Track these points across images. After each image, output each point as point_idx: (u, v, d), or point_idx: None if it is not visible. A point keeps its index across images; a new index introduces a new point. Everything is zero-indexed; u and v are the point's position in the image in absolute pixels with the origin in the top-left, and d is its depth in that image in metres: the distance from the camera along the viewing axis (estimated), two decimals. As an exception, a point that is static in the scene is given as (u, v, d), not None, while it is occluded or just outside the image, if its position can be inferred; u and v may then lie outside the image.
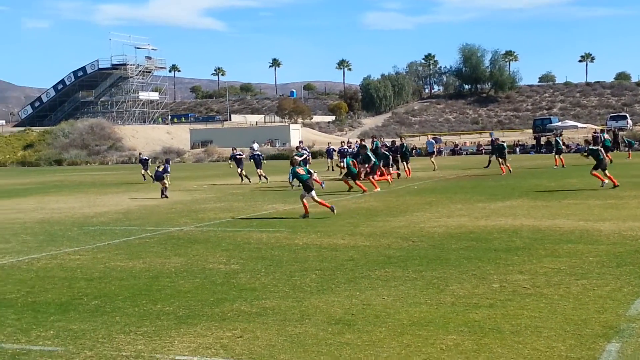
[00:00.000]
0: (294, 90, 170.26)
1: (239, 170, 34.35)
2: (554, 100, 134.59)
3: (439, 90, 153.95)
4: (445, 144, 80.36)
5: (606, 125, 74.06)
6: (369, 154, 29.15)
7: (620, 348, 6.88)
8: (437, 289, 9.73)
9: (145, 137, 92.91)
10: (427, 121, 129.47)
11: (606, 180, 24.36)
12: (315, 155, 60.19)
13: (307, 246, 14.01)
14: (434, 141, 52.33)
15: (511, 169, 35.35)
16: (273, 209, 21.69)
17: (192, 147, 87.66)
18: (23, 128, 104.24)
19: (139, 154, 47.00)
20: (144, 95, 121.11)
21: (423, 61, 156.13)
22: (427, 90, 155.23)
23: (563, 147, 43.71)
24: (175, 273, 11.60)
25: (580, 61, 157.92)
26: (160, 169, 28.19)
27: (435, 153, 51.27)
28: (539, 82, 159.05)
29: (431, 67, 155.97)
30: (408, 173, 34.60)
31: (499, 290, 9.50)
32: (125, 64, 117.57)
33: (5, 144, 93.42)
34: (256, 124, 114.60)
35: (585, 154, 25.37)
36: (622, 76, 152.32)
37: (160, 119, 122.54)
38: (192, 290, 10.20)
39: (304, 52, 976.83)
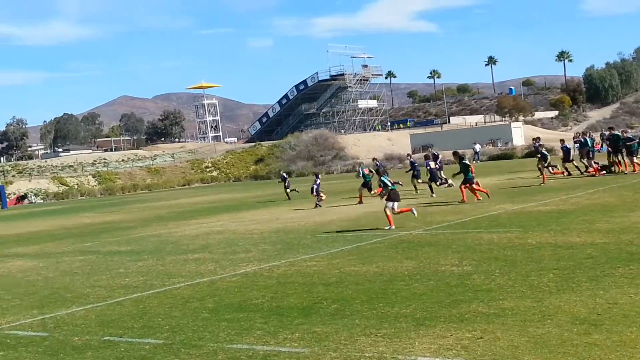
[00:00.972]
0: (512, 88, 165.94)
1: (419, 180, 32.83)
2: None
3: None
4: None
5: None
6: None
7: None
8: (690, 286, 9.04)
9: (367, 145, 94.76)
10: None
11: None
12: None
13: (541, 245, 13.58)
14: None
15: None
16: (501, 209, 21.24)
17: (413, 152, 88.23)
18: (253, 143, 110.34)
19: (279, 171, 45.00)
20: (363, 104, 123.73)
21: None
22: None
23: None
24: (409, 276, 11.71)
25: None
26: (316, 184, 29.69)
27: None
28: None
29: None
30: (627, 167, 31.33)
31: None
32: (343, 74, 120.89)
33: (238, 159, 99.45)
34: (476, 125, 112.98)
35: None
36: None
37: (379, 126, 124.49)
38: (426, 293, 10.25)
39: (520, 47, 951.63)
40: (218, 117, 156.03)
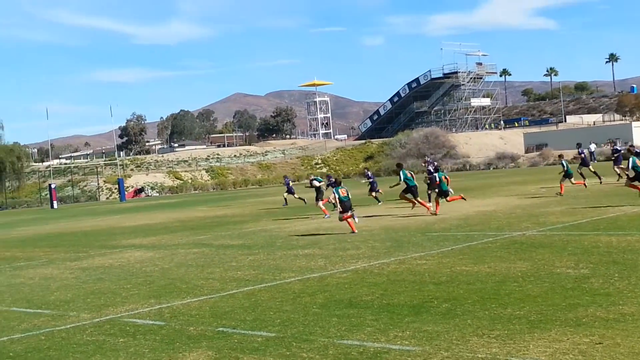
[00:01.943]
0: (634, 86, 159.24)
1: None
2: None
3: None
4: None
5: None
6: None
7: None
8: None
9: (479, 144, 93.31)
10: None
11: None
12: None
13: (663, 250, 12.98)
14: None
15: None
16: (620, 211, 20.45)
17: (527, 151, 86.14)
18: (363, 141, 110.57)
19: (284, 176, 43.23)
20: (476, 102, 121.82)
21: None
22: None
23: None
24: (522, 277, 11.43)
25: None
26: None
27: None
28: None
29: None
30: None
31: None
32: (456, 72, 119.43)
33: (348, 156, 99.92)
34: (593, 124, 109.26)
35: None
36: None
37: (492, 125, 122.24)
38: (541, 295, 9.98)
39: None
40: (329, 115, 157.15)
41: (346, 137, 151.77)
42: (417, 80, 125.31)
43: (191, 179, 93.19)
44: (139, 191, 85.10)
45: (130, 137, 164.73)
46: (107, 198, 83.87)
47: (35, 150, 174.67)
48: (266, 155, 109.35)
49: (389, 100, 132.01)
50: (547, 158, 76.42)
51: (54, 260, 20.18)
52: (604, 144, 74.34)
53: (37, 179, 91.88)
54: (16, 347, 9.59)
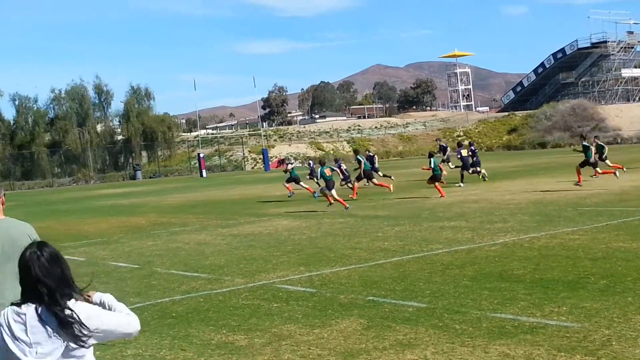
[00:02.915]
0: None
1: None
2: None
3: None
4: None
5: None
6: None
7: None
8: None
9: (630, 116, 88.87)
10: None
11: None
12: None
13: None
14: None
15: None
16: None
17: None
18: (506, 113, 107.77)
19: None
20: (627, 73, 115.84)
21: None
22: None
23: None
24: (686, 256, 10.85)
25: None
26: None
27: None
28: None
29: None
30: None
31: None
32: (605, 42, 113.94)
33: (490, 129, 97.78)
34: None
35: None
36: None
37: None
38: None
39: None
40: (470, 86, 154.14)
41: (488, 109, 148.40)
42: (562, 50, 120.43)
43: (333, 150, 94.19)
44: (281, 162, 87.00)
45: (273, 108, 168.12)
46: (252, 168, 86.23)
47: (184, 120, 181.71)
48: (407, 127, 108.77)
49: (533, 71, 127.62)
50: None
51: (206, 226, 21.01)
52: None
53: (187, 148, 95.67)
54: (177, 307, 10.09)
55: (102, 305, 3.87)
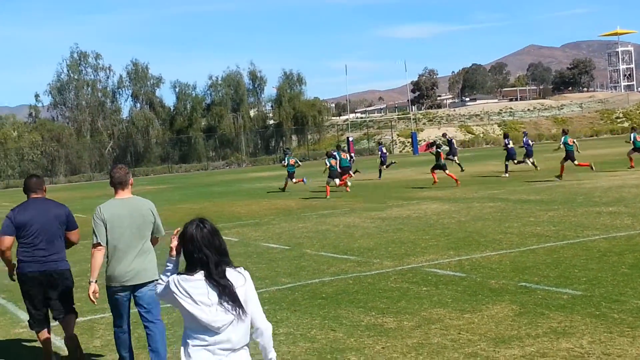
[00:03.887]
0: None
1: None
2: None
3: None
4: None
5: None
6: None
7: None
8: None
9: None
10: None
11: None
12: None
13: None
14: None
15: None
16: None
17: None
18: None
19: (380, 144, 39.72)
20: None
21: None
22: None
23: None
24: None
25: None
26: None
27: None
28: None
29: None
30: None
31: None
32: None
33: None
34: None
35: None
36: None
37: None
38: None
39: None
40: (632, 65, 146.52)
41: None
42: None
43: (483, 133, 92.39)
44: (430, 145, 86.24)
45: (422, 92, 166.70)
46: (401, 151, 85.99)
47: (333, 105, 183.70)
48: (562, 109, 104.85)
49: None
50: None
51: (355, 209, 21.17)
52: None
53: (336, 132, 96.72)
54: (327, 289, 10.24)
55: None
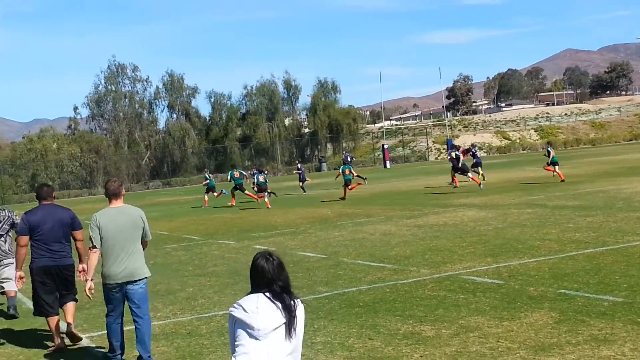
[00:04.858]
0: None
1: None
2: None
3: None
4: None
5: None
6: None
7: None
8: None
9: None
10: None
11: None
12: None
13: None
14: None
15: None
16: None
17: None
18: None
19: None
20: None
21: None
22: None
23: None
24: None
25: None
26: None
27: None
28: None
29: None
30: None
31: None
32: None
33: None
34: None
35: None
36: None
37: None
38: None
39: None
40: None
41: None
42: None
43: (519, 138, 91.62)
44: (466, 151, 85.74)
45: (457, 98, 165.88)
46: (436, 158, 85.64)
47: (368, 112, 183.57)
48: (600, 113, 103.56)
49: None
50: None
51: (391, 217, 21.12)
52: None
53: (371, 139, 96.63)
54: (364, 297, 10.22)
55: None
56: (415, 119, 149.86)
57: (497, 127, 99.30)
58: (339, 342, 8.01)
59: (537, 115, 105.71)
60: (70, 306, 8.94)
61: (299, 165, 43.74)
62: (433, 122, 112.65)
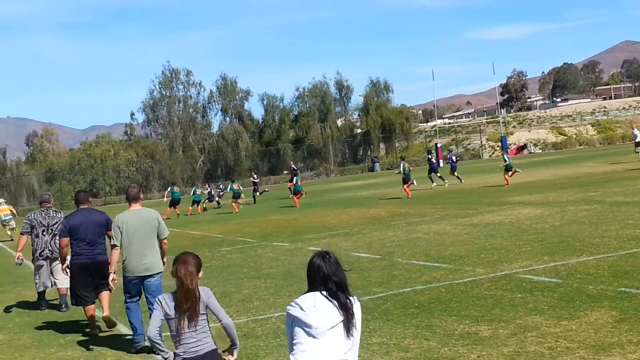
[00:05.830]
0: None
1: None
2: None
3: None
4: None
5: None
6: None
7: None
8: None
9: None
10: None
11: None
12: None
13: None
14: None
15: None
16: None
17: None
18: None
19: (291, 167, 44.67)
20: None
21: None
22: None
23: None
24: None
25: None
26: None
27: None
28: None
29: None
30: None
31: None
32: None
33: None
34: None
35: None
36: None
37: None
38: None
39: None
40: None
41: None
42: None
43: (575, 134, 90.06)
44: (521, 148, 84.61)
45: (511, 94, 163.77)
46: (490, 156, 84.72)
47: (420, 111, 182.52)
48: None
49: None
50: None
51: (445, 216, 20.95)
52: None
53: (424, 138, 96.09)
54: (419, 297, 10.16)
55: None
56: (469, 117, 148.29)
57: (552, 122, 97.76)
58: (395, 343, 7.98)
59: (594, 109, 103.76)
60: (105, 295, 9.93)
61: (254, 175, 45.22)
62: (487, 119, 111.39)
